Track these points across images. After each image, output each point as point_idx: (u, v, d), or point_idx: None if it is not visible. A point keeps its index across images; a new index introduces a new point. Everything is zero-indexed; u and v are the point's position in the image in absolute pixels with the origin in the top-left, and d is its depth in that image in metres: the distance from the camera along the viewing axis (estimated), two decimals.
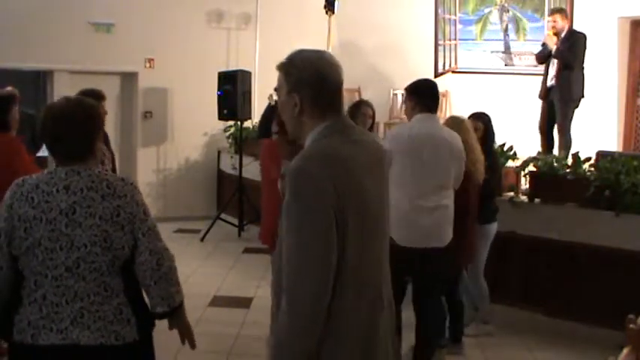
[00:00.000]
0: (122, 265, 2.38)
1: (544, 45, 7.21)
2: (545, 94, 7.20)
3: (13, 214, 2.31)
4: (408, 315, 4.34)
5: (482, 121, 5.15)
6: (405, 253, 4.07)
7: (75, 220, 2.29)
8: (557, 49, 6.97)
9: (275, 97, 4.43)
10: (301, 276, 1.88)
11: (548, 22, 7.36)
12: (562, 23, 7.07)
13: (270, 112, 5.04)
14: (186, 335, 2.63)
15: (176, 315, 2.54)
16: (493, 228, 5.17)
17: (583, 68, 7.02)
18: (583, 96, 7.02)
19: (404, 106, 4.62)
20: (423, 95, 4.26)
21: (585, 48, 6.97)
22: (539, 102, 7.31)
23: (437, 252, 4.14)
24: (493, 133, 5.25)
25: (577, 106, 7.04)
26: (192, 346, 2.66)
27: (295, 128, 2.11)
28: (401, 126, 4.47)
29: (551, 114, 7.14)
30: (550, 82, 7.13)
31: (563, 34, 7.03)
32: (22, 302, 2.34)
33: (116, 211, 2.34)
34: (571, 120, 7.03)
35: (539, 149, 6.91)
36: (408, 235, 4.09)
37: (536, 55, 7.51)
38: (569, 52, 6.92)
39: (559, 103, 7.03)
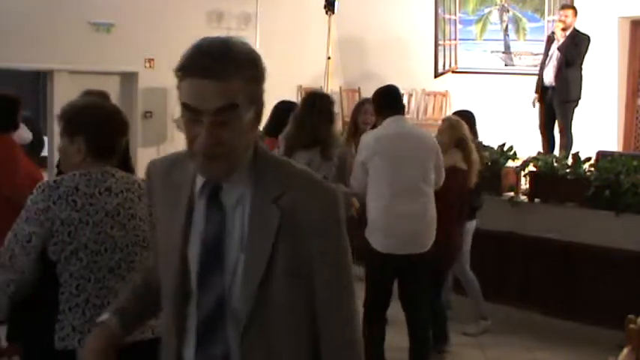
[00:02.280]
0: None
1: (549, 37, 7.25)
2: (542, 91, 7.20)
3: (53, 218, 2.25)
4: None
5: (463, 117, 5.12)
6: (386, 260, 4.08)
7: (120, 222, 2.34)
8: (563, 44, 6.97)
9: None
10: (357, 319, 1.66)
11: (556, 19, 7.36)
12: (571, 20, 7.08)
13: (282, 109, 5.00)
14: None
15: None
16: (473, 224, 5.16)
17: (581, 69, 7.02)
18: (580, 97, 7.02)
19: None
20: (385, 100, 4.30)
21: (587, 50, 6.97)
22: (538, 102, 7.32)
23: (419, 257, 4.11)
24: (476, 131, 5.23)
25: (576, 105, 7.04)
26: None
27: (245, 148, 1.55)
28: (372, 131, 4.47)
29: (549, 114, 7.14)
30: (549, 81, 7.13)
31: (568, 32, 7.03)
32: (60, 309, 2.30)
33: (149, 211, 2.36)
34: (571, 120, 7.03)
35: (540, 149, 6.91)
36: (387, 241, 4.08)
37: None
38: (574, 49, 6.92)
39: (557, 104, 7.04)
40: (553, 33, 7.25)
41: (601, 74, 7.87)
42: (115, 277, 2.34)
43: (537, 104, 7.31)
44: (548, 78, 7.13)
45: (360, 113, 5.31)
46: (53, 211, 2.24)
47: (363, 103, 5.49)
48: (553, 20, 8.22)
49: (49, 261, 2.28)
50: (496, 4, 9.53)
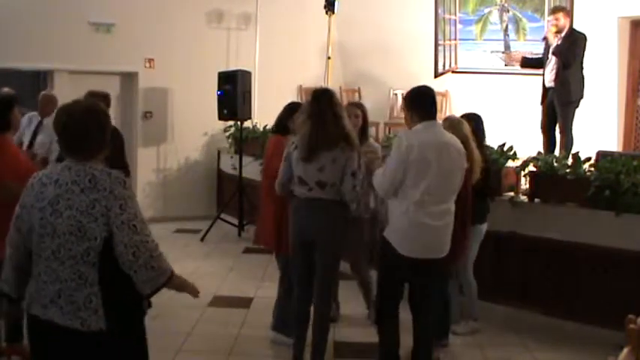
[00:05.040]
0: (100, 257, 2.53)
1: (545, 39, 7.24)
2: (544, 94, 7.20)
3: (22, 202, 2.66)
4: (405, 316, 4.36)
5: (469, 119, 5.10)
6: (404, 262, 4.08)
7: (58, 210, 2.54)
8: (557, 46, 6.98)
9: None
10: None
11: (549, 20, 7.37)
12: (564, 21, 7.07)
13: (290, 110, 5.02)
14: (185, 290, 2.77)
15: (168, 285, 2.67)
16: (483, 228, 5.16)
17: (582, 69, 7.01)
18: (582, 97, 7.01)
19: (403, 112, 4.61)
20: (420, 103, 4.22)
21: (585, 49, 6.96)
22: (539, 102, 7.31)
23: (435, 261, 4.13)
24: (483, 133, 5.22)
25: (577, 106, 7.03)
26: (194, 295, 2.79)
27: None
28: (406, 136, 4.24)
29: (550, 114, 7.14)
30: (549, 83, 7.13)
31: (563, 33, 7.03)
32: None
33: (92, 204, 2.53)
34: (572, 120, 7.02)
35: (541, 149, 6.91)
36: (411, 245, 4.07)
37: (523, 57, 7.48)
38: (568, 50, 6.92)
39: (558, 105, 7.03)
40: (545, 38, 7.23)
41: (601, 74, 7.87)
42: (57, 260, 2.55)
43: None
44: (548, 79, 7.13)
45: (350, 117, 5.31)
46: (23, 197, 2.67)
47: (347, 107, 5.48)
48: None
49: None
50: (496, 4, 9.54)
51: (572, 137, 6.97)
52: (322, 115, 4.25)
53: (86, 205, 2.50)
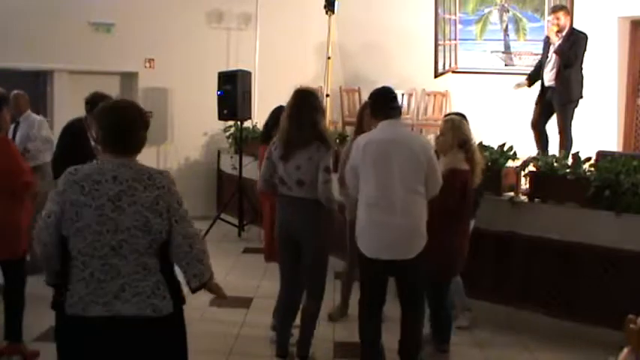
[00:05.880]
0: (159, 248, 2.69)
1: (547, 39, 7.23)
2: (542, 90, 7.19)
3: (65, 200, 2.64)
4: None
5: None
6: (372, 263, 4.08)
7: (120, 207, 2.62)
8: (559, 46, 6.97)
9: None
10: None
11: (549, 20, 7.36)
12: (564, 20, 7.06)
13: (277, 114, 4.98)
14: (215, 292, 2.95)
15: (207, 285, 2.86)
16: (471, 225, 5.12)
17: (582, 69, 7.01)
18: (582, 97, 7.01)
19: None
20: (379, 106, 4.29)
21: (586, 49, 6.96)
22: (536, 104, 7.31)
23: (406, 264, 4.07)
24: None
25: (576, 106, 7.03)
26: (223, 297, 3.00)
27: None
28: (364, 135, 4.41)
29: (545, 112, 7.12)
30: (548, 82, 7.12)
31: (564, 32, 7.02)
32: (71, 280, 2.66)
33: (155, 200, 2.67)
34: (571, 120, 7.02)
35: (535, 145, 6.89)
36: (370, 246, 4.09)
37: (529, 75, 7.43)
38: (570, 50, 6.91)
39: (558, 105, 7.02)
40: (548, 37, 7.23)
41: (601, 74, 7.86)
42: (118, 255, 2.61)
43: (535, 106, 7.29)
44: (548, 79, 7.12)
45: (365, 115, 5.27)
46: (67, 194, 2.64)
47: (364, 107, 5.45)
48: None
49: (63, 237, 2.66)
50: (496, 4, 9.54)
51: (571, 137, 6.96)
52: (300, 118, 4.32)
53: (150, 202, 2.64)
